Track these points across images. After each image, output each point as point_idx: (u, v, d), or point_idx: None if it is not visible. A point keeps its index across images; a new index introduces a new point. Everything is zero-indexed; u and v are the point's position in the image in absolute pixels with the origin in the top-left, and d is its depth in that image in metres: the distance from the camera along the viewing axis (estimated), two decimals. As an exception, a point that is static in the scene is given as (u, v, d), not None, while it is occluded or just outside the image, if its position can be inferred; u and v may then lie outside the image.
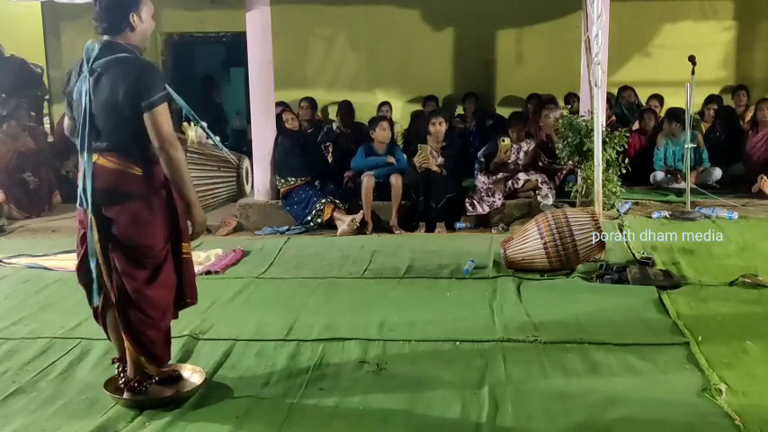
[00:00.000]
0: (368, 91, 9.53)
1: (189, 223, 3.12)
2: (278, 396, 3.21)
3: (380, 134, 7.09)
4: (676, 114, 7.35)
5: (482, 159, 7.27)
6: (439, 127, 7.05)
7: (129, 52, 2.98)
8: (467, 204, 6.90)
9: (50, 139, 8.95)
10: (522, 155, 7.21)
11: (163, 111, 2.91)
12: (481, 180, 7.04)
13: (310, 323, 4.04)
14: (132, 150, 2.96)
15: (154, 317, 3.06)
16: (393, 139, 7.42)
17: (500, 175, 7.09)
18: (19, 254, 5.80)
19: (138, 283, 3.00)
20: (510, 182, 7.03)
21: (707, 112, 8.37)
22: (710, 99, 8.54)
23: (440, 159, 7.02)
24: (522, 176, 7.01)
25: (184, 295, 3.17)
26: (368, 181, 6.87)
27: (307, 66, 9.69)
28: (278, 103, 7.79)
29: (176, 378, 3.28)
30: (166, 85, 2.99)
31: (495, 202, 6.88)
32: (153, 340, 3.09)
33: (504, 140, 7.11)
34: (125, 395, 3.14)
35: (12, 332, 4.08)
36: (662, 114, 8.50)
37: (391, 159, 7.02)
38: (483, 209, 6.86)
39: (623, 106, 8.76)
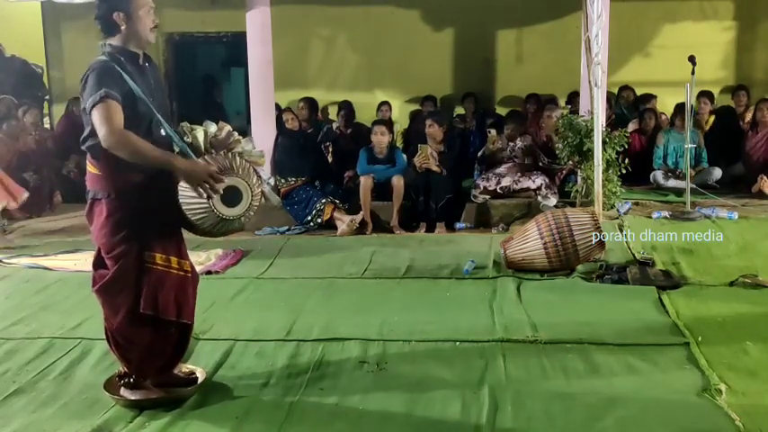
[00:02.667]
0: (368, 91, 9.53)
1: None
2: (278, 396, 3.21)
3: (376, 139, 7.08)
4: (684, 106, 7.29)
5: (483, 156, 7.34)
6: (430, 129, 7.02)
7: (106, 55, 2.94)
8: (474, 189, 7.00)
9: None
10: (517, 150, 7.20)
11: (103, 107, 2.79)
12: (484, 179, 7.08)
13: (310, 323, 4.04)
14: (94, 152, 2.96)
15: (109, 319, 3.08)
16: (393, 142, 7.40)
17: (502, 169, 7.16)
18: (19, 254, 5.80)
19: (98, 282, 3.05)
20: (511, 181, 7.03)
21: (704, 107, 8.25)
22: (702, 94, 8.36)
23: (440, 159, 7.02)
24: (523, 180, 7.02)
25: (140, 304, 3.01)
26: (365, 181, 6.87)
27: (307, 66, 9.69)
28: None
29: (175, 384, 3.26)
30: (135, 89, 2.88)
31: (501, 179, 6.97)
32: (119, 342, 3.10)
33: (490, 132, 7.14)
34: (121, 391, 3.15)
35: (12, 332, 4.08)
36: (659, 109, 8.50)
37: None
38: (489, 185, 6.94)
39: (623, 106, 8.76)
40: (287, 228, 6.88)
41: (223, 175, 2.93)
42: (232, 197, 2.98)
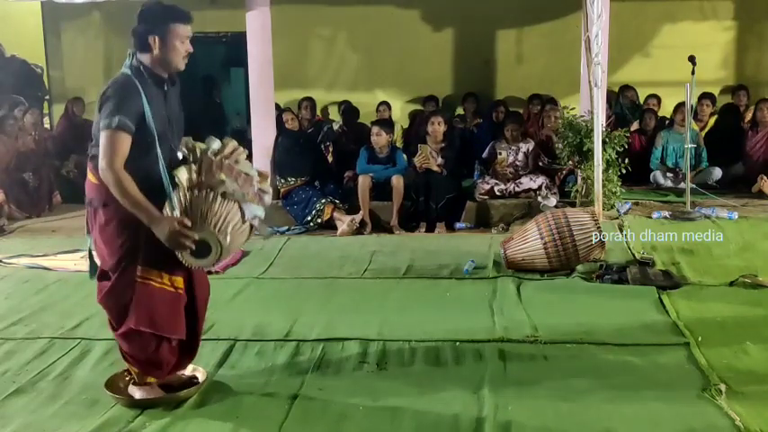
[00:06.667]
0: (368, 91, 9.53)
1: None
2: (278, 396, 3.21)
3: (373, 140, 7.07)
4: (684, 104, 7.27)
5: (485, 158, 7.36)
6: (438, 126, 7.03)
7: (131, 69, 2.94)
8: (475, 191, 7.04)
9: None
10: (521, 156, 7.22)
11: (112, 136, 2.80)
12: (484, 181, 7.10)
13: (310, 323, 4.04)
14: (94, 162, 2.94)
15: (114, 326, 3.10)
16: (394, 142, 7.40)
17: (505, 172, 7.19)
18: (19, 254, 5.79)
19: (102, 288, 3.09)
20: (512, 185, 7.05)
21: (706, 109, 8.24)
22: (703, 95, 8.35)
23: (440, 159, 7.02)
24: (525, 180, 7.03)
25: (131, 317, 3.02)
26: (363, 181, 6.86)
27: (307, 66, 9.69)
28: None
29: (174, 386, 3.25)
30: (148, 115, 2.86)
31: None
32: (124, 349, 3.13)
33: (500, 153, 7.25)
34: (129, 389, 3.17)
35: (12, 332, 4.08)
36: (660, 113, 8.48)
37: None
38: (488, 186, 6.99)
39: (624, 106, 8.75)
40: (287, 228, 6.88)
41: (194, 230, 2.85)
42: (201, 249, 2.91)
